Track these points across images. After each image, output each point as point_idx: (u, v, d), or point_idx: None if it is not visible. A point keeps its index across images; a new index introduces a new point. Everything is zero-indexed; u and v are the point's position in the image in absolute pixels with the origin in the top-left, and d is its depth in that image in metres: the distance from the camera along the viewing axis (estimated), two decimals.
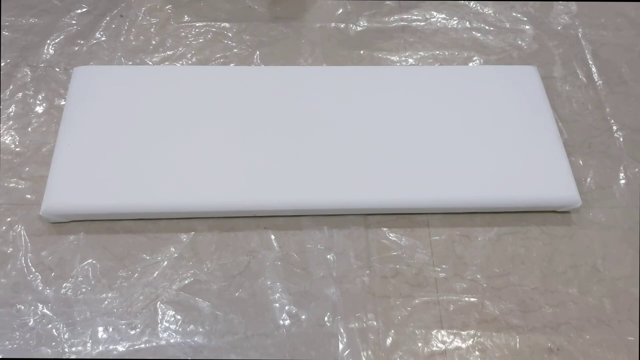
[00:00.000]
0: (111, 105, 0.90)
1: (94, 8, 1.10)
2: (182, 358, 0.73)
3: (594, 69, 1.07)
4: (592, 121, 0.99)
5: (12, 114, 0.94)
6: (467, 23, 1.13)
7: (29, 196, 0.86)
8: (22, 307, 0.76)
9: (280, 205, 0.83)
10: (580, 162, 0.94)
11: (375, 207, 0.84)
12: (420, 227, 0.86)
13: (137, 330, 0.75)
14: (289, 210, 0.84)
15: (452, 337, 0.77)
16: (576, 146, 0.96)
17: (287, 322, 0.77)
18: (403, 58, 1.07)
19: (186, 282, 0.79)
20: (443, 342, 0.76)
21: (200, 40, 1.07)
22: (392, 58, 1.07)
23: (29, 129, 0.93)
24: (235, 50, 1.06)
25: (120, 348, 0.74)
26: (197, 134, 0.88)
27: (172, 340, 0.75)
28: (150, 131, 0.87)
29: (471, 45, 1.10)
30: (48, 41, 1.04)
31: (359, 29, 1.11)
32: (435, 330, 0.77)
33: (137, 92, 0.92)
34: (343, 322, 0.77)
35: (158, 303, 0.77)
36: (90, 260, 0.80)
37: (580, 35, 1.12)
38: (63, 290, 0.77)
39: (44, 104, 0.96)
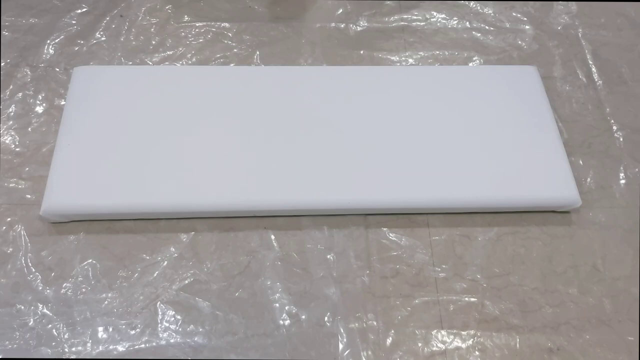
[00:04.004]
0: (111, 105, 0.90)
1: (94, 8, 1.10)
2: (182, 358, 0.73)
3: (594, 69, 1.07)
4: (592, 121, 0.99)
5: (12, 114, 0.94)
6: (467, 23, 1.13)
7: (29, 196, 0.86)
8: (22, 307, 0.76)
9: (280, 205, 0.83)
10: (580, 162, 0.94)
11: (375, 207, 0.84)
12: (420, 227, 0.86)
13: (137, 330, 0.75)
14: (289, 210, 0.84)
15: (452, 337, 0.77)
16: (576, 146, 0.96)
17: (287, 322, 0.77)
18: (403, 58, 1.07)
19: (186, 282, 0.79)
20: (443, 342, 0.76)
21: (200, 40, 1.07)
22: (392, 58, 1.07)
23: (29, 129, 0.93)
24: (235, 50, 1.06)
25: (120, 348, 0.74)
26: (197, 134, 0.88)
27: (172, 340, 0.75)
28: (150, 131, 0.87)
29: (471, 45, 1.10)
30: (48, 41, 1.04)
31: (359, 29, 1.11)
32: (435, 330, 0.77)
33: (137, 92, 0.92)
34: (343, 322, 0.77)
35: (158, 303, 0.77)
36: (90, 260, 0.80)
37: (580, 35, 1.12)
38: (63, 290, 0.77)
39: (44, 104, 0.96)
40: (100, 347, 0.74)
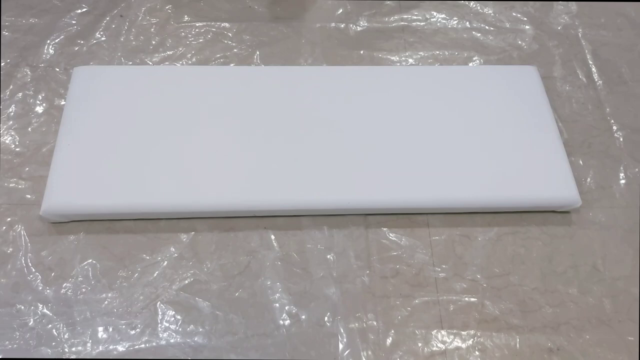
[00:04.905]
0: (111, 105, 0.90)
1: (94, 8, 1.10)
2: (182, 358, 0.73)
3: (594, 69, 1.07)
4: (592, 121, 0.99)
5: (12, 114, 0.94)
6: (467, 23, 1.13)
7: (29, 196, 0.86)
8: (22, 307, 0.76)
9: (280, 205, 0.83)
10: (580, 162, 0.94)
11: (375, 207, 0.84)
12: (420, 227, 0.86)
13: (137, 330, 0.75)
14: (289, 210, 0.84)
15: (452, 337, 0.77)
16: (576, 146, 0.96)
17: (287, 322, 0.77)
18: (403, 58, 1.07)
19: (186, 282, 0.79)
20: (443, 342, 0.76)
21: (200, 40, 1.07)
22: (392, 58, 1.07)
23: (29, 129, 0.93)
24: (235, 50, 1.06)
25: (120, 348, 0.74)
26: (197, 134, 0.88)
27: (172, 340, 0.75)
28: (150, 131, 0.87)
29: (471, 45, 1.10)
30: (48, 41, 1.04)
31: (359, 29, 1.11)
32: (435, 330, 0.77)
33: (137, 92, 0.92)
34: (343, 322, 0.77)
35: (158, 303, 0.77)
36: (90, 260, 0.80)
37: (580, 35, 1.12)
38: (63, 290, 0.77)
39: (44, 104, 0.96)
40: (100, 347, 0.74)
